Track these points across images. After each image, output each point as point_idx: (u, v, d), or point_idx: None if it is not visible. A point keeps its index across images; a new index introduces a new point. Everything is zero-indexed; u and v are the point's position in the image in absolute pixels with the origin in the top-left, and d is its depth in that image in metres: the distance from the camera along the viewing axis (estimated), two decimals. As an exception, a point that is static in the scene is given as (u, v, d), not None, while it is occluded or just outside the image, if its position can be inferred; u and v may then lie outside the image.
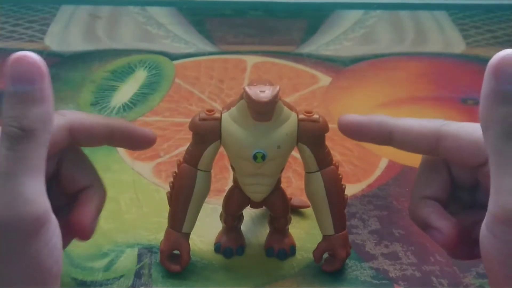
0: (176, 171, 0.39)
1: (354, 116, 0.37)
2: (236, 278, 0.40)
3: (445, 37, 0.73)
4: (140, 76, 0.63)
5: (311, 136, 0.38)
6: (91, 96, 0.60)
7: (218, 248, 0.42)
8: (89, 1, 0.79)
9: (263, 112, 0.36)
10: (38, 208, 0.29)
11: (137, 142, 0.38)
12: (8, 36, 0.71)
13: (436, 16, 0.78)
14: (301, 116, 0.38)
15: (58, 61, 0.66)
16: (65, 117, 0.36)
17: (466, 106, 0.59)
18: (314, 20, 0.76)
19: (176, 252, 0.40)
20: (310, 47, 0.70)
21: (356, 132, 0.37)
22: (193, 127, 0.38)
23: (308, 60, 0.67)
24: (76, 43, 0.70)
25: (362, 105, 0.59)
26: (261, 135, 0.37)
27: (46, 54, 0.67)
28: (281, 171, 0.40)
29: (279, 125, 0.37)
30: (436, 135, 0.36)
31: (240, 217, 0.43)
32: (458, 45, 0.71)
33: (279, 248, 0.42)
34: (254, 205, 0.41)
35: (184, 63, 0.66)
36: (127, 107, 0.58)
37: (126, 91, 0.61)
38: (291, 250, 0.42)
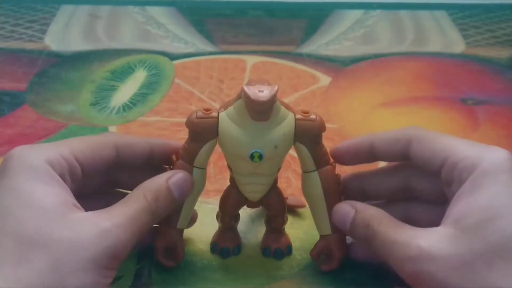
0: (172, 167, 0.39)
1: (343, 144, 0.41)
2: (235, 279, 0.40)
3: (445, 37, 0.73)
4: (140, 76, 0.63)
5: (308, 135, 0.38)
6: (91, 96, 0.60)
7: (214, 248, 0.42)
8: (89, 1, 0.79)
9: (261, 111, 0.36)
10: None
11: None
12: (8, 36, 0.71)
13: (436, 16, 0.78)
14: (298, 116, 0.38)
15: (58, 61, 0.66)
16: (110, 136, 0.40)
17: (466, 106, 0.59)
18: (314, 20, 0.76)
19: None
20: (310, 47, 0.70)
21: (350, 156, 0.40)
22: (190, 124, 0.38)
23: (308, 60, 0.67)
24: (76, 43, 0.70)
25: (362, 105, 0.59)
26: (258, 134, 0.37)
27: (46, 54, 0.67)
28: (278, 170, 0.40)
29: (276, 125, 0.37)
30: (408, 139, 0.38)
31: (237, 217, 0.43)
32: (458, 45, 0.71)
33: (276, 248, 0.42)
34: (251, 204, 0.41)
35: (184, 63, 0.66)
36: (127, 107, 0.58)
37: (126, 91, 0.61)
38: (288, 250, 0.42)
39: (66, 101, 0.59)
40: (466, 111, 0.59)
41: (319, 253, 0.41)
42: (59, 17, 0.75)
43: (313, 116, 0.38)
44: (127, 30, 0.73)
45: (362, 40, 0.72)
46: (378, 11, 0.79)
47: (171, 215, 0.39)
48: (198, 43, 0.70)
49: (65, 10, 0.77)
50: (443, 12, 0.78)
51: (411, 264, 0.33)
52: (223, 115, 0.38)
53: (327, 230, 0.40)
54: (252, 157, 0.37)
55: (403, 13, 0.79)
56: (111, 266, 0.34)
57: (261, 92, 0.35)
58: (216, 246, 0.42)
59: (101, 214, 0.34)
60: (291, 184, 0.49)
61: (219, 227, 0.43)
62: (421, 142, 0.37)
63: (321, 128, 0.38)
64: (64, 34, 0.72)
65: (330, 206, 0.39)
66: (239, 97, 0.37)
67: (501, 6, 0.80)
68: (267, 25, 0.75)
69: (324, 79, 0.63)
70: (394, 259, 0.35)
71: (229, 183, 0.41)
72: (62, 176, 0.36)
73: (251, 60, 0.66)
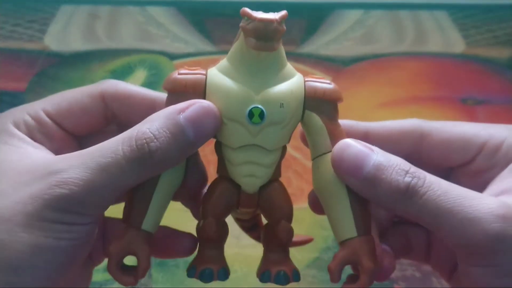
0: None
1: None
2: (235, 278, 0.40)
3: (445, 37, 0.73)
4: (140, 76, 0.63)
5: (322, 101, 0.30)
6: (91, 96, 0.60)
7: (192, 271, 0.31)
8: (89, 1, 0.79)
9: (268, 35, 0.28)
10: None
11: None
12: (8, 36, 0.71)
13: (436, 16, 0.78)
14: (309, 77, 0.31)
15: (58, 61, 0.66)
16: (99, 85, 0.33)
17: (466, 106, 0.59)
18: (314, 20, 0.76)
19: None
20: (310, 47, 0.70)
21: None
22: (169, 83, 0.30)
23: (308, 60, 0.67)
24: (76, 43, 0.70)
25: (362, 105, 0.59)
26: (260, 86, 0.29)
27: (46, 54, 0.67)
28: (281, 154, 0.31)
29: (282, 79, 0.30)
30: (419, 131, 0.34)
31: (224, 228, 0.32)
32: (458, 45, 0.71)
33: (278, 271, 0.31)
34: (245, 202, 0.31)
35: (184, 63, 0.66)
36: (127, 107, 0.58)
37: (126, 91, 0.61)
38: (294, 275, 0.31)
39: (66, 101, 0.59)
40: (466, 111, 0.59)
41: (342, 266, 0.30)
42: (59, 17, 0.75)
43: (327, 81, 0.31)
44: (127, 30, 0.73)
45: (362, 40, 0.72)
46: (378, 11, 0.79)
47: (133, 209, 0.30)
48: (198, 43, 0.70)
49: (65, 10, 0.77)
50: (443, 12, 0.78)
51: (497, 223, 0.27)
52: (212, 70, 0.30)
53: (351, 232, 0.30)
54: (251, 115, 0.29)
55: (403, 13, 0.78)
56: (60, 219, 0.28)
57: (266, 14, 0.29)
58: (195, 269, 0.31)
59: (59, 157, 0.29)
60: (291, 184, 0.48)
61: (199, 243, 0.32)
62: (441, 133, 0.33)
63: (338, 96, 0.31)
64: (64, 34, 0.72)
65: (354, 199, 0.30)
66: (236, 39, 0.31)
67: (501, 6, 0.80)
68: (267, 25, 0.75)
69: (324, 79, 0.64)
70: (463, 219, 0.27)
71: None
72: (31, 135, 0.31)
73: (251, 60, 0.66)
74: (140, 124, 0.28)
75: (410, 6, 0.80)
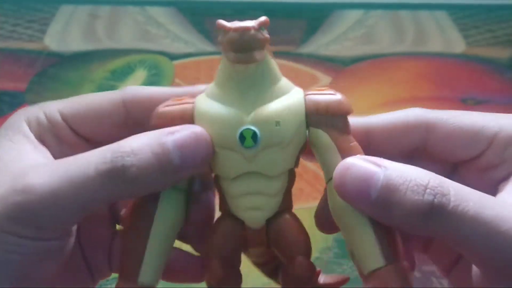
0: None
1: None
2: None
3: (445, 37, 0.73)
4: (140, 76, 0.63)
5: (327, 114, 0.27)
6: (91, 96, 0.60)
7: None
8: (89, 1, 0.79)
9: (245, 45, 0.25)
10: None
11: None
12: (8, 36, 0.71)
13: (436, 16, 0.78)
14: (309, 91, 0.28)
15: (58, 61, 0.66)
16: (121, 91, 0.31)
17: (466, 106, 0.59)
18: (314, 20, 0.76)
19: None
20: (310, 47, 0.70)
21: None
22: (154, 118, 0.27)
23: (308, 60, 0.67)
24: (76, 43, 0.70)
25: (362, 105, 0.59)
26: (250, 106, 0.26)
27: (46, 54, 0.67)
28: (290, 180, 0.27)
29: (276, 96, 0.27)
30: (424, 123, 0.30)
31: (234, 272, 0.28)
32: (458, 45, 0.71)
33: None
34: (253, 241, 0.27)
35: (184, 63, 0.66)
36: (127, 107, 0.58)
37: (126, 91, 0.61)
38: None
39: (66, 101, 0.59)
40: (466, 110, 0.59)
41: None
42: (59, 17, 0.75)
43: (330, 92, 0.28)
44: (127, 30, 0.73)
45: (362, 40, 0.72)
46: (378, 11, 0.79)
47: (127, 257, 0.26)
48: (198, 43, 0.70)
49: (65, 10, 0.77)
50: (443, 12, 0.78)
51: None
52: (200, 97, 0.27)
53: (378, 261, 0.25)
54: (242, 138, 0.26)
55: (403, 13, 0.78)
56: (13, 231, 0.25)
57: (242, 23, 0.26)
58: None
59: (38, 163, 0.27)
60: (302, 193, 0.48)
61: None
62: (447, 125, 0.30)
63: (345, 107, 0.27)
64: (64, 34, 0.72)
65: (377, 224, 0.25)
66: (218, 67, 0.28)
67: (501, 6, 0.80)
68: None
69: (324, 79, 0.63)
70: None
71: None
72: (40, 134, 0.29)
73: (251, 60, 0.66)
74: (124, 139, 0.26)
75: (410, 6, 0.80)
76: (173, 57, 0.67)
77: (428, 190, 0.24)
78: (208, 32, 0.72)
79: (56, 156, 0.29)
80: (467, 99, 0.60)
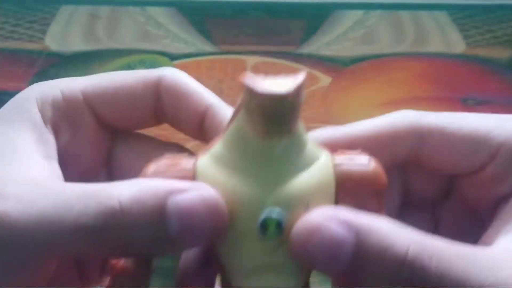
0: (109, 282, 0.23)
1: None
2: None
3: (445, 37, 0.73)
4: (140, 76, 0.63)
5: (361, 193, 0.22)
6: (91, 96, 0.60)
7: None
8: (89, 1, 0.79)
9: (281, 116, 0.20)
10: None
11: None
12: (8, 36, 0.71)
13: (436, 16, 0.78)
14: (338, 157, 0.23)
15: (58, 61, 0.66)
16: (157, 72, 0.27)
17: (466, 106, 0.59)
18: (314, 20, 0.76)
19: None
20: (310, 47, 0.70)
21: None
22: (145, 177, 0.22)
23: (308, 60, 0.67)
24: (76, 43, 0.70)
25: (362, 105, 0.59)
26: (272, 181, 0.21)
27: (46, 54, 0.67)
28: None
29: (302, 167, 0.21)
30: (417, 131, 0.26)
31: None
32: (458, 45, 0.71)
33: None
34: None
35: (184, 63, 0.66)
36: (127, 107, 0.58)
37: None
38: None
39: (66, 101, 0.59)
40: (466, 111, 0.58)
41: None
42: (60, 18, 0.75)
43: (363, 160, 0.22)
44: (127, 30, 0.73)
45: (362, 40, 0.72)
46: (378, 11, 0.79)
47: None
48: (198, 43, 0.70)
49: (66, 10, 0.77)
50: (443, 12, 0.78)
51: None
52: (203, 162, 0.22)
53: None
54: (264, 227, 0.20)
55: (403, 14, 0.78)
56: None
57: (276, 83, 0.20)
58: None
59: (28, 175, 0.23)
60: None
61: None
62: (444, 134, 0.26)
63: (381, 180, 0.22)
64: (64, 34, 0.72)
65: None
66: (235, 117, 0.22)
67: (501, 6, 0.80)
68: (267, 25, 0.75)
69: (324, 79, 0.63)
70: None
71: None
72: (54, 119, 0.25)
73: (251, 60, 0.66)
74: (118, 182, 0.21)
75: (410, 6, 0.80)
76: (173, 57, 0.67)
77: (407, 263, 0.20)
78: (208, 32, 0.72)
79: (69, 147, 0.25)
80: (467, 99, 0.60)
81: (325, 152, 0.23)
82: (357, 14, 0.78)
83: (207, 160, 0.22)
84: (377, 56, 0.68)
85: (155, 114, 0.27)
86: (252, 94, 0.20)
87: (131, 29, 0.73)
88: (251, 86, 0.20)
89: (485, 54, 0.68)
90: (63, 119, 0.25)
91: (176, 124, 0.26)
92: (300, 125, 0.22)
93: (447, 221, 0.28)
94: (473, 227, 0.27)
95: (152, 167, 0.22)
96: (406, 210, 0.27)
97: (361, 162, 0.22)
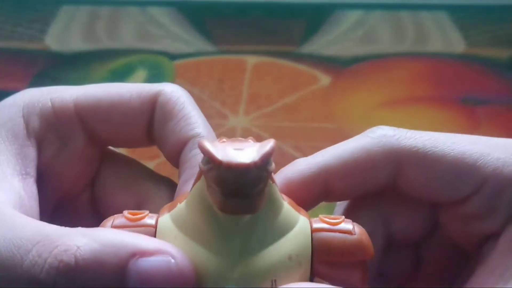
0: None
1: (290, 179, 0.24)
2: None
3: (445, 37, 0.73)
4: (140, 76, 0.63)
5: (342, 265, 0.20)
6: (91, 96, 0.60)
7: None
8: (89, 1, 0.79)
9: (239, 189, 0.18)
10: None
11: None
12: (9, 36, 0.71)
13: (436, 16, 0.78)
14: (318, 224, 0.20)
15: (58, 61, 0.66)
16: (154, 86, 0.25)
17: (466, 106, 0.59)
18: (314, 20, 0.76)
19: None
20: (310, 47, 0.70)
21: (302, 199, 0.23)
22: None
23: (308, 60, 0.67)
24: (76, 43, 0.70)
25: (362, 105, 0.59)
26: (237, 253, 0.19)
27: (46, 54, 0.67)
28: None
29: (276, 236, 0.20)
30: (394, 161, 0.23)
31: None
32: (458, 45, 0.71)
33: None
34: None
35: (184, 63, 0.66)
36: (127, 107, 0.58)
37: (126, 91, 0.61)
38: None
39: (66, 101, 0.59)
40: (466, 111, 0.59)
41: None
42: (60, 18, 0.75)
43: (348, 226, 0.20)
44: (127, 30, 0.73)
45: (362, 40, 0.72)
46: (378, 12, 0.79)
47: None
48: (198, 43, 0.70)
49: (66, 10, 0.77)
50: (443, 12, 0.78)
51: None
52: (164, 220, 0.20)
53: None
54: None
55: (403, 13, 0.78)
56: None
57: (239, 151, 0.18)
58: None
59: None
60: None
61: None
62: (423, 166, 0.23)
63: (365, 250, 0.20)
64: (65, 34, 0.72)
65: None
66: (196, 181, 0.20)
67: (501, 6, 0.80)
68: (267, 25, 0.75)
69: (324, 79, 0.63)
70: None
71: None
72: (41, 131, 0.23)
73: (251, 60, 0.66)
74: (81, 230, 0.19)
75: (410, 6, 0.80)
76: (173, 57, 0.67)
77: None
78: (208, 32, 0.72)
79: (53, 163, 0.23)
80: (467, 99, 0.60)
81: (303, 218, 0.20)
82: (357, 14, 0.78)
83: (167, 219, 0.20)
84: (377, 56, 0.68)
85: (147, 133, 0.25)
86: (210, 163, 0.18)
87: (131, 29, 0.73)
88: (210, 152, 0.17)
89: (485, 54, 0.68)
90: (50, 132, 0.23)
91: (161, 148, 0.24)
92: (273, 188, 0.19)
93: (432, 258, 0.26)
94: (459, 264, 0.25)
95: (114, 219, 0.20)
96: (388, 250, 0.25)
97: (344, 229, 0.20)
